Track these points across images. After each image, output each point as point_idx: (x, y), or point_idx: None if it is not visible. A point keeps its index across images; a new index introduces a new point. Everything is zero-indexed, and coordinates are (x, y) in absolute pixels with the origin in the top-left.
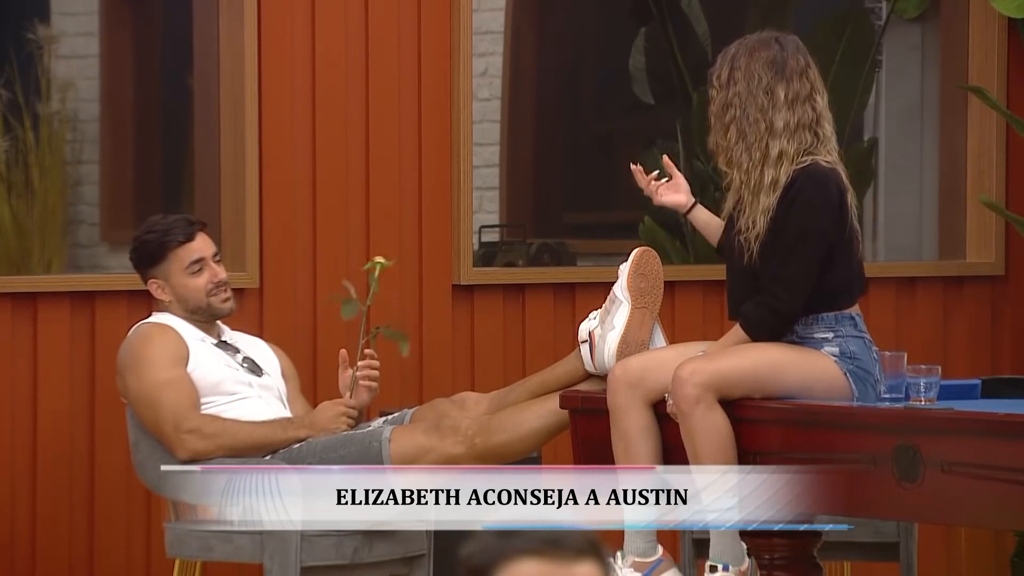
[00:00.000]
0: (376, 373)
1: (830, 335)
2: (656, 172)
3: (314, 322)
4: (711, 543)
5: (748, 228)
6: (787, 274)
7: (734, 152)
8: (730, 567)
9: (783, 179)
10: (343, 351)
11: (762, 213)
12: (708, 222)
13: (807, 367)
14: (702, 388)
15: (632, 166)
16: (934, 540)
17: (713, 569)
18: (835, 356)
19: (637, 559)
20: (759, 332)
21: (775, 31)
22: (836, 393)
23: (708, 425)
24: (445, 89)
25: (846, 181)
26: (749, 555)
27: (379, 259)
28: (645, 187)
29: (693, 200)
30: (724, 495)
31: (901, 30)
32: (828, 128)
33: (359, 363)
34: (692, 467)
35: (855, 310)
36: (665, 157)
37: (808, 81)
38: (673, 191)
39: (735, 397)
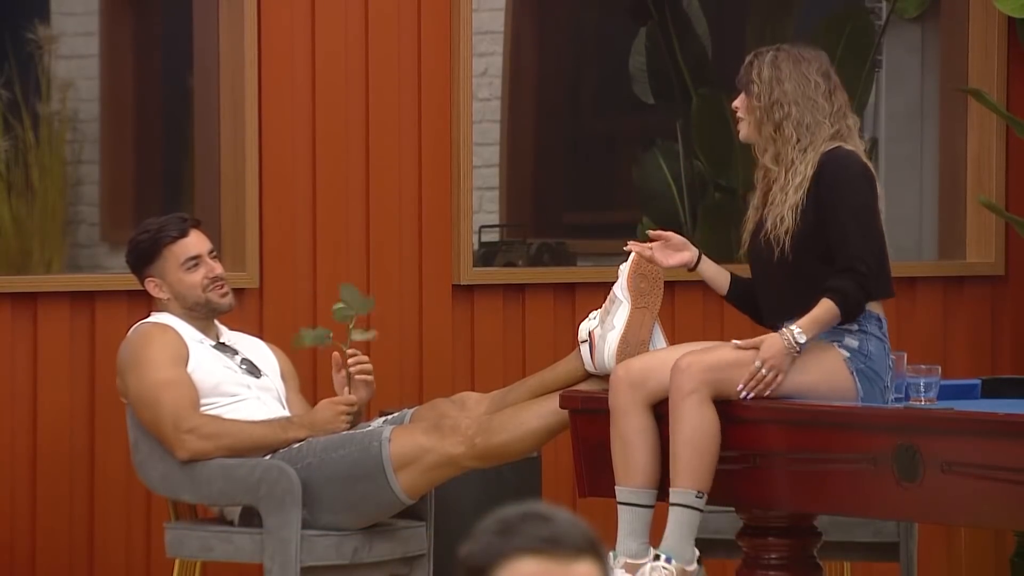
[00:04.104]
0: (369, 367)
1: (854, 327)
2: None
3: (314, 322)
4: (664, 534)
5: (776, 225)
6: (863, 250)
7: (785, 150)
8: (673, 561)
9: (811, 172)
10: (335, 354)
11: (790, 209)
12: (715, 275)
13: (810, 366)
14: (698, 382)
15: (625, 247)
16: (934, 540)
17: (657, 557)
18: (850, 351)
19: (629, 560)
20: (852, 306)
21: (807, 45)
22: (840, 393)
23: (695, 419)
24: (445, 89)
25: (874, 171)
26: (699, 563)
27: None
28: (648, 258)
29: (697, 253)
30: (691, 491)
31: (901, 30)
32: (859, 144)
33: (349, 360)
34: (670, 454)
35: (881, 312)
36: (650, 232)
37: (844, 97)
38: (675, 250)
39: (732, 390)
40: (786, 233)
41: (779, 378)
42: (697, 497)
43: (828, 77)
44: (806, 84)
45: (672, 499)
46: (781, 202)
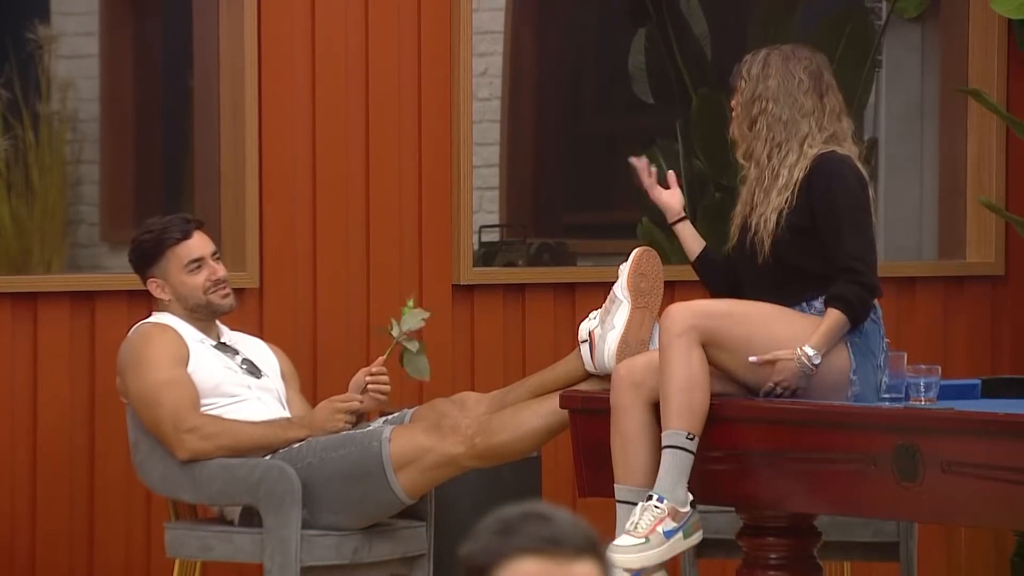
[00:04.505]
0: (385, 388)
1: None
2: (655, 170)
3: (314, 322)
4: (658, 475)
5: (760, 227)
6: (860, 248)
7: (756, 145)
8: (665, 501)
9: (799, 175)
10: (380, 358)
11: (773, 211)
12: (691, 239)
13: (802, 324)
14: (687, 325)
15: (634, 159)
16: (934, 540)
17: (649, 498)
18: None
19: None
20: (859, 310)
21: (806, 46)
22: (834, 364)
23: (684, 361)
24: (445, 89)
25: (866, 177)
26: (693, 507)
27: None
28: (645, 179)
29: (683, 214)
30: (681, 433)
31: (901, 30)
32: (854, 148)
33: (371, 375)
34: (660, 400)
35: (876, 302)
36: (671, 172)
37: (838, 101)
38: (668, 196)
39: (720, 340)
40: (769, 236)
41: (797, 392)
42: (688, 439)
43: (817, 77)
44: (790, 81)
45: (664, 441)
46: (764, 203)
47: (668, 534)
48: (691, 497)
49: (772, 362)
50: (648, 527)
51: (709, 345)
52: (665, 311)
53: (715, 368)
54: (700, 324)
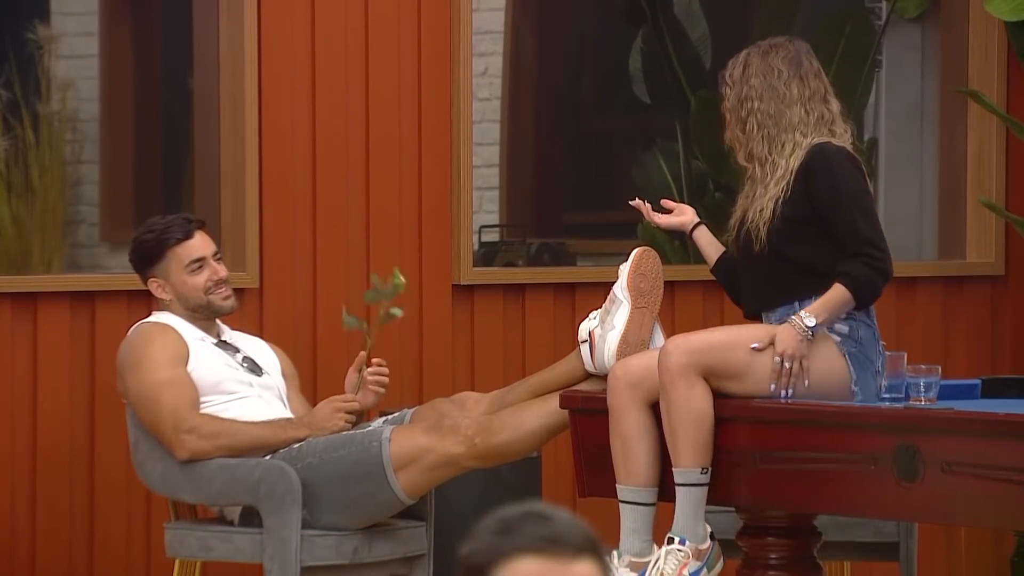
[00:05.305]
0: (385, 379)
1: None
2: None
3: (314, 322)
4: (675, 516)
5: (756, 216)
6: (869, 232)
7: (754, 145)
8: (687, 542)
9: (795, 164)
10: (362, 353)
11: (770, 200)
12: (708, 245)
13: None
14: (684, 364)
15: (632, 202)
16: (934, 540)
17: (670, 541)
18: (840, 336)
19: (633, 559)
20: (865, 290)
21: (784, 37)
22: (834, 377)
23: (687, 399)
24: (445, 89)
25: (863, 165)
26: (712, 538)
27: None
28: (647, 216)
29: (697, 220)
30: (694, 470)
31: (901, 30)
32: (843, 130)
33: (371, 366)
34: (666, 438)
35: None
36: (664, 200)
37: (822, 83)
38: (677, 215)
39: (722, 371)
40: (765, 224)
41: (804, 363)
42: (702, 473)
43: (797, 64)
44: (770, 75)
45: (677, 479)
46: (762, 195)
47: (694, 574)
48: (709, 528)
49: (772, 343)
50: (674, 572)
51: (712, 377)
52: (662, 349)
53: (723, 394)
54: (698, 360)
